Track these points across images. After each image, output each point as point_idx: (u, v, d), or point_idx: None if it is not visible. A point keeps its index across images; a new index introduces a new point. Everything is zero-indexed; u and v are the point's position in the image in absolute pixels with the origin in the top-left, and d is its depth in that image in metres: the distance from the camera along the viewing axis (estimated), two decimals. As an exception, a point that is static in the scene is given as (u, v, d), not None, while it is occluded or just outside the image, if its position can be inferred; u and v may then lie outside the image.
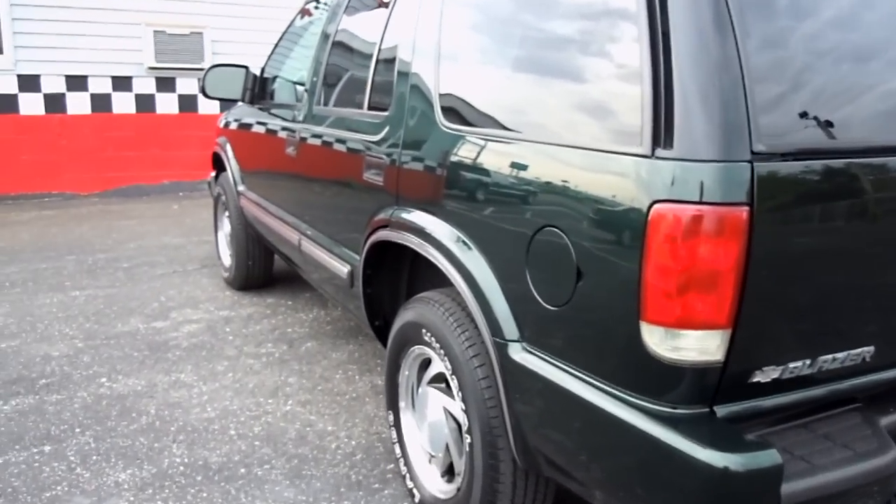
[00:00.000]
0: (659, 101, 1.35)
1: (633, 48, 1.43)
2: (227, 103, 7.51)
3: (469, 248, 1.86)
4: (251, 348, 3.66)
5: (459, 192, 1.92)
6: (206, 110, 8.21)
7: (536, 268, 1.62)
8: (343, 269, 2.64)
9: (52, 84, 7.53)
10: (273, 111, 3.61)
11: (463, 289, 1.85)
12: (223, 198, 4.53)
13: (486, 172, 1.81)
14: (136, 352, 3.60)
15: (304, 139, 3.04)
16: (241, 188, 4.17)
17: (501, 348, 1.73)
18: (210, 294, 4.52)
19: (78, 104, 7.67)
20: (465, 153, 1.91)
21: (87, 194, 7.86)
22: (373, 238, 2.33)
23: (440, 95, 2.08)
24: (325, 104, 2.96)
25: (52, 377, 3.30)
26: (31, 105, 7.49)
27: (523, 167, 1.69)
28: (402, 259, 2.43)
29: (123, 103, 7.88)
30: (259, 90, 3.79)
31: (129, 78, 7.84)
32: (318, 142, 2.91)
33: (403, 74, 2.28)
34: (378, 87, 2.50)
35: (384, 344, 2.52)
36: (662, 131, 1.34)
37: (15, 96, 7.40)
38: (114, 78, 7.78)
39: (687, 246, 1.30)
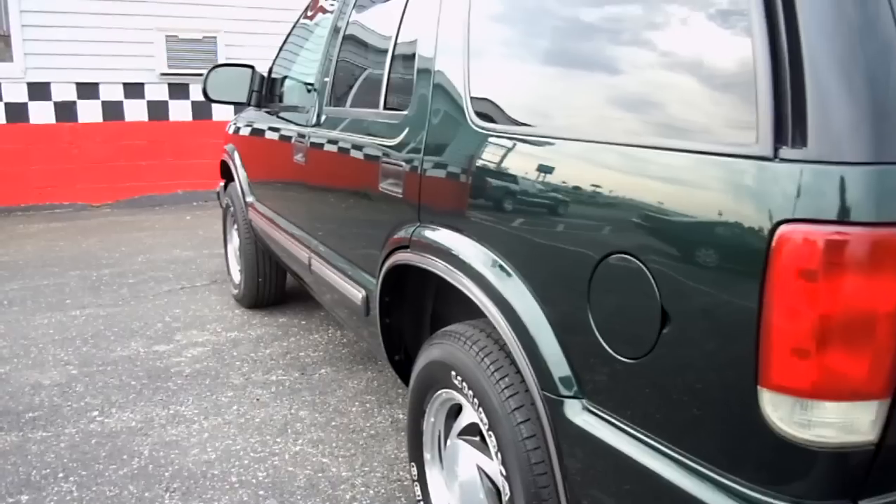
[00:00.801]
0: (782, 80, 0.97)
1: (740, 9, 1.06)
2: (240, 108, 7.26)
3: (509, 275, 1.50)
4: (259, 376, 3.32)
5: (497, 205, 1.55)
6: (220, 117, 7.92)
7: (603, 306, 1.25)
8: (357, 294, 2.28)
9: (63, 92, 7.28)
10: (281, 114, 3.27)
11: (502, 326, 1.48)
12: (232, 209, 4.20)
13: (532, 181, 1.44)
14: (134, 380, 3.27)
15: (312, 144, 2.69)
16: (249, 199, 3.84)
17: (554, 405, 1.36)
18: (218, 313, 4.18)
19: (89, 112, 7.43)
20: (504, 157, 1.55)
21: (98, 205, 7.60)
22: (391, 260, 1.97)
23: (471, 87, 1.71)
24: (336, 105, 2.62)
25: (40, 410, 2.98)
26: (41, 114, 7.25)
27: (584, 174, 1.32)
28: (426, 284, 2.07)
29: (136, 111, 7.62)
30: (266, 92, 3.46)
31: (141, 85, 7.59)
32: (327, 147, 2.56)
33: (425, 65, 1.92)
34: (395, 83, 2.15)
35: (405, 381, 2.17)
36: (789, 123, 0.97)
37: (25, 105, 7.16)
38: (125, 85, 7.52)
39: (828, 283, 0.92)
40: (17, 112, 7.13)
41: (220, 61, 7.67)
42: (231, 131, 4.27)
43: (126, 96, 7.55)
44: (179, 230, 6.51)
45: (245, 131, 3.87)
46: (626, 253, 1.18)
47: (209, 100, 3.33)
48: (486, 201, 1.59)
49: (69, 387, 3.20)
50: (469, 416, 1.76)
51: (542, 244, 1.41)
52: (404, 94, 2.04)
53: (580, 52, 1.46)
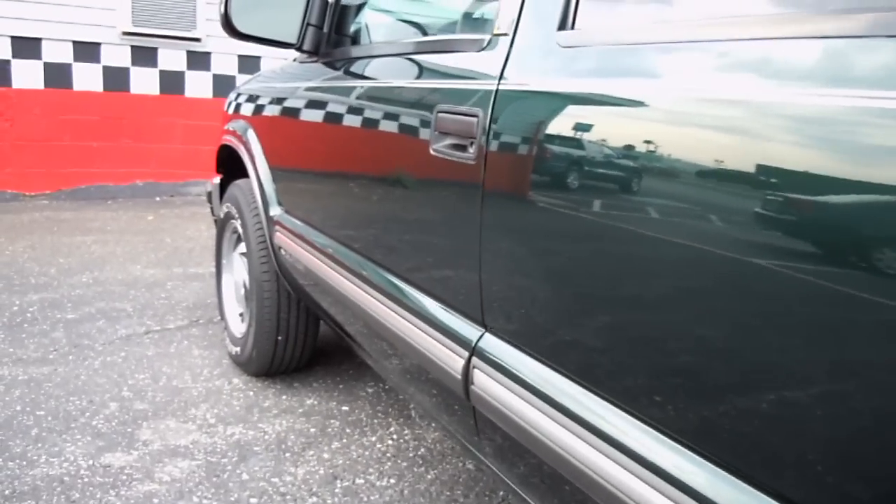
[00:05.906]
0: None
1: None
2: (251, 68, 5.78)
3: None
4: (299, 537, 1.84)
5: None
6: (195, 93, 6.37)
7: None
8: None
9: (-7, 46, 5.65)
10: (368, 72, 1.80)
11: None
12: (237, 223, 2.69)
13: None
14: (67, 541, 1.76)
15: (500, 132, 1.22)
16: (275, 213, 2.35)
17: None
18: (207, 383, 2.67)
19: (27, 75, 5.80)
20: None
21: (33, 195, 5.96)
22: None
23: None
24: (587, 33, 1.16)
25: None
26: (-39, 73, 5.60)
27: None
28: None
29: (88, 78, 6.01)
30: (332, 30, 1.97)
31: (97, 45, 5.98)
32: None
33: None
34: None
35: None
36: None
37: (-60, 60, 5.51)
38: (76, 44, 5.91)
39: None
40: (-71, 68, 5.48)
41: (199, 23, 6.10)
42: (239, 102, 2.76)
43: (76, 58, 5.94)
44: (139, 235, 4.93)
45: (278, 102, 2.36)
46: None
47: (234, 33, 1.84)
48: None
49: (-60, 555, 1.68)
50: None
51: None
52: None
53: None
